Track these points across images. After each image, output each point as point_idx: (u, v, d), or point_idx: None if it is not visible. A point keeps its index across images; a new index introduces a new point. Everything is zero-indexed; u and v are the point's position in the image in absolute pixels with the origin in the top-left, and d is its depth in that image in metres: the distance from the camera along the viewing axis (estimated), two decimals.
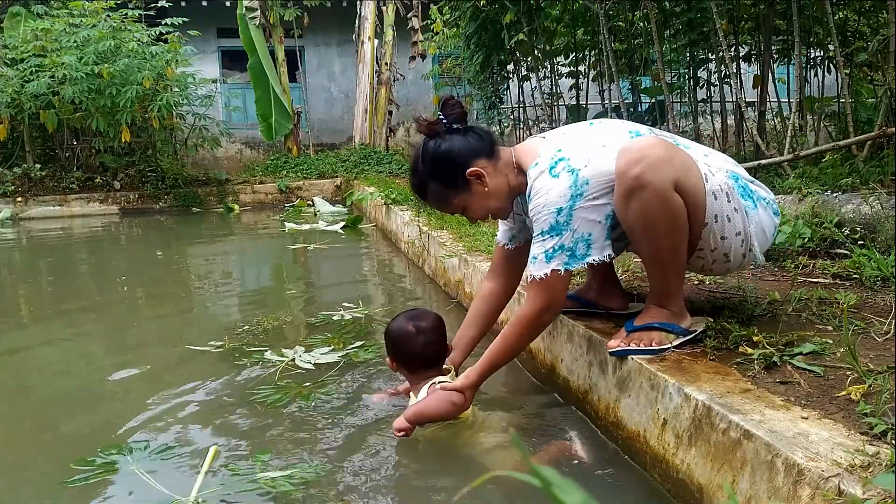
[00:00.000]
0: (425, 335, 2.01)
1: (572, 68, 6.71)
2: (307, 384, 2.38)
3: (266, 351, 2.73)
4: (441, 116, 1.85)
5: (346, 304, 3.49)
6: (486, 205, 1.86)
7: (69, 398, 2.45)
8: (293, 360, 2.61)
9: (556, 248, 1.71)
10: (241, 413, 2.16)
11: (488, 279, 2.15)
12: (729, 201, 1.75)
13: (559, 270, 1.72)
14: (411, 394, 2.02)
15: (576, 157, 1.72)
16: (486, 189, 1.83)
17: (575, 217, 1.69)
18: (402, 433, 1.83)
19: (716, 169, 1.77)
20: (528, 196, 1.77)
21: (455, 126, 1.84)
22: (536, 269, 1.74)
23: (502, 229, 2.09)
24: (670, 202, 1.63)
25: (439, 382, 1.95)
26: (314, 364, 2.58)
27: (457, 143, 1.82)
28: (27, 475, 1.85)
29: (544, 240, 1.72)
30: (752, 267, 2.10)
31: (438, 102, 1.89)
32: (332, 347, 2.76)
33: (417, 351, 2.01)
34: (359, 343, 2.83)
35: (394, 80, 11.94)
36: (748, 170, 3.53)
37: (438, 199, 1.89)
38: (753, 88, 5.39)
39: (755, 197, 1.83)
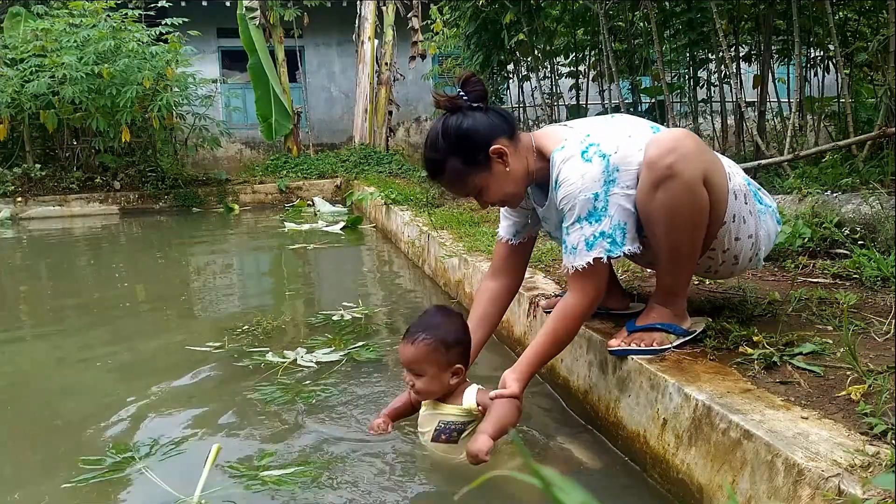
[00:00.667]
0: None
1: (572, 68, 6.71)
2: (306, 383, 2.38)
3: (267, 352, 2.73)
4: (462, 94, 1.78)
5: (345, 304, 3.50)
6: (505, 187, 1.79)
7: (71, 398, 2.44)
8: (295, 360, 2.62)
9: (597, 234, 1.67)
10: (243, 413, 2.16)
11: (490, 278, 2.06)
12: (746, 203, 1.76)
13: (602, 258, 1.68)
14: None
15: (605, 143, 1.69)
16: (508, 169, 1.77)
17: (611, 203, 1.66)
18: (487, 456, 1.60)
19: (735, 171, 1.78)
20: (556, 182, 1.71)
21: (476, 105, 1.78)
22: (578, 258, 1.69)
23: (505, 224, 2.03)
24: (697, 195, 1.63)
25: (484, 389, 1.81)
26: (316, 363, 2.59)
27: (480, 119, 1.76)
28: (35, 474, 1.86)
29: (582, 227, 1.68)
30: (750, 271, 2.10)
31: (459, 81, 1.82)
32: (333, 348, 2.76)
33: (471, 346, 1.86)
34: (360, 343, 2.83)
35: (394, 80, 11.94)
36: (748, 170, 3.55)
37: (455, 178, 1.78)
38: (753, 88, 5.38)
39: (764, 203, 1.85)
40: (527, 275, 2.85)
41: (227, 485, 1.68)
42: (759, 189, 1.88)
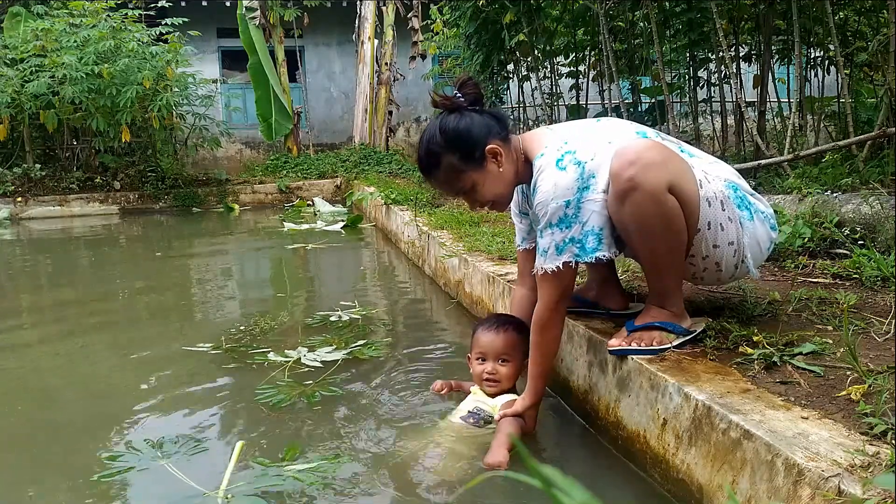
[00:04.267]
0: None
1: (572, 68, 6.71)
2: (310, 382, 2.38)
3: (269, 351, 2.73)
4: (458, 95, 1.84)
5: (343, 304, 3.49)
6: (495, 187, 1.84)
7: (79, 398, 2.45)
8: (298, 359, 2.62)
9: (567, 240, 1.71)
10: (254, 411, 2.17)
11: (518, 284, 2.15)
12: (723, 210, 1.75)
13: (570, 263, 1.72)
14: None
15: (582, 150, 1.72)
16: (501, 170, 1.82)
17: (584, 209, 1.69)
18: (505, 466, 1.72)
19: (713, 177, 1.77)
20: (533, 188, 1.76)
21: (473, 106, 1.84)
22: (547, 261, 1.74)
23: (517, 233, 2.10)
24: (664, 204, 1.63)
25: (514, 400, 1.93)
26: (321, 362, 2.59)
27: (477, 120, 1.82)
28: (57, 471, 1.87)
29: (553, 232, 1.72)
30: (746, 280, 2.08)
31: (456, 83, 1.87)
32: (335, 347, 2.76)
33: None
34: (362, 341, 2.83)
35: (394, 80, 11.94)
36: (748, 170, 3.55)
37: (449, 174, 1.83)
38: (753, 88, 5.38)
39: (753, 209, 1.82)
40: (503, 266, 2.96)
41: (252, 480, 1.69)
42: (750, 194, 1.85)
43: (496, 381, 1.96)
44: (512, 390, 1.99)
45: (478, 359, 1.99)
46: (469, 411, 1.94)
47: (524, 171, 1.85)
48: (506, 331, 1.97)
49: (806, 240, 2.60)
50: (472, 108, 1.84)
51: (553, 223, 1.71)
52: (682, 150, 1.81)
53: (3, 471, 1.90)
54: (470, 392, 2.11)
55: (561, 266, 1.72)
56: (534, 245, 2.03)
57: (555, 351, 1.88)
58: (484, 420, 1.92)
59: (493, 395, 1.97)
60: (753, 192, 1.89)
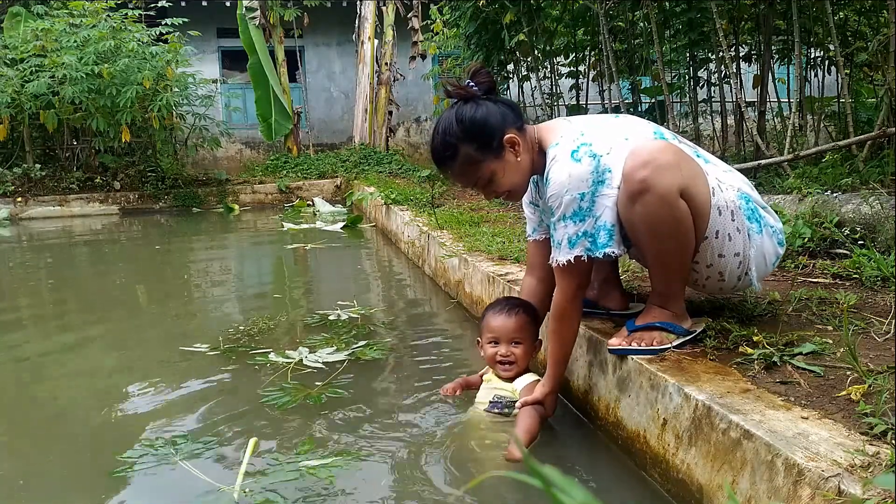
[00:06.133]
0: None
1: (572, 68, 6.71)
2: (318, 384, 2.38)
3: (269, 352, 2.72)
4: (471, 84, 1.81)
5: (341, 303, 3.49)
6: (514, 177, 1.81)
7: (81, 398, 2.45)
8: (300, 360, 2.61)
9: (580, 234, 1.70)
10: (260, 411, 2.16)
11: (527, 274, 2.13)
12: (733, 220, 1.73)
13: (582, 257, 1.71)
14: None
15: (598, 143, 1.70)
16: (518, 159, 1.79)
17: (598, 204, 1.68)
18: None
19: (726, 186, 1.76)
20: (546, 178, 1.74)
21: (486, 95, 1.82)
22: (561, 254, 1.74)
23: (528, 223, 2.09)
24: (675, 208, 1.62)
25: (536, 381, 1.95)
26: (323, 363, 2.59)
27: (493, 109, 1.79)
28: (71, 469, 1.89)
29: (566, 225, 1.71)
30: (747, 292, 2.07)
31: (468, 73, 1.85)
32: (336, 347, 2.76)
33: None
34: (363, 342, 2.83)
35: (394, 80, 11.95)
36: (748, 170, 3.55)
37: (467, 165, 1.80)
38: (753, 88, 5.38)
39: (762, 222, 1.81)
40: (503, 266, 2.96)
41: (265, 476, 1.70)
42: (762, 207, 1.84)
43: (511, 363, 1.98)
44: (526, 370, 2.01)
45: (490, 343, 2.00)
46: (491, 401, 1.96)
47: (539, 162, 1.83)
48: (517, 313, 1.99)
49: (806, 240, 2.60)
50: (487, 98, 1.81)
51: (567, 216, 1.70)
52: (697, 156, 1.79)
53: (14, 470, 1.90)
54: (482, 381, 2.11)
55: (573, 260, 1.72)
56: (544, 236, 2.03)
57: (573, 340, 1.89)
58: (506, 406, 1.93)
59: (509, 378, 1.98)
60: (765, 204, 1.87)
